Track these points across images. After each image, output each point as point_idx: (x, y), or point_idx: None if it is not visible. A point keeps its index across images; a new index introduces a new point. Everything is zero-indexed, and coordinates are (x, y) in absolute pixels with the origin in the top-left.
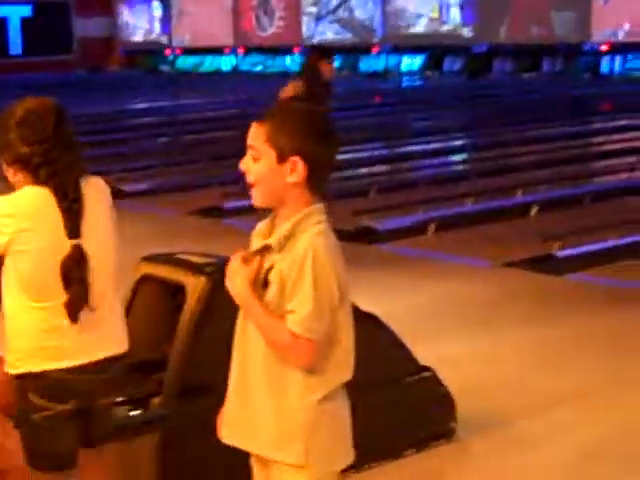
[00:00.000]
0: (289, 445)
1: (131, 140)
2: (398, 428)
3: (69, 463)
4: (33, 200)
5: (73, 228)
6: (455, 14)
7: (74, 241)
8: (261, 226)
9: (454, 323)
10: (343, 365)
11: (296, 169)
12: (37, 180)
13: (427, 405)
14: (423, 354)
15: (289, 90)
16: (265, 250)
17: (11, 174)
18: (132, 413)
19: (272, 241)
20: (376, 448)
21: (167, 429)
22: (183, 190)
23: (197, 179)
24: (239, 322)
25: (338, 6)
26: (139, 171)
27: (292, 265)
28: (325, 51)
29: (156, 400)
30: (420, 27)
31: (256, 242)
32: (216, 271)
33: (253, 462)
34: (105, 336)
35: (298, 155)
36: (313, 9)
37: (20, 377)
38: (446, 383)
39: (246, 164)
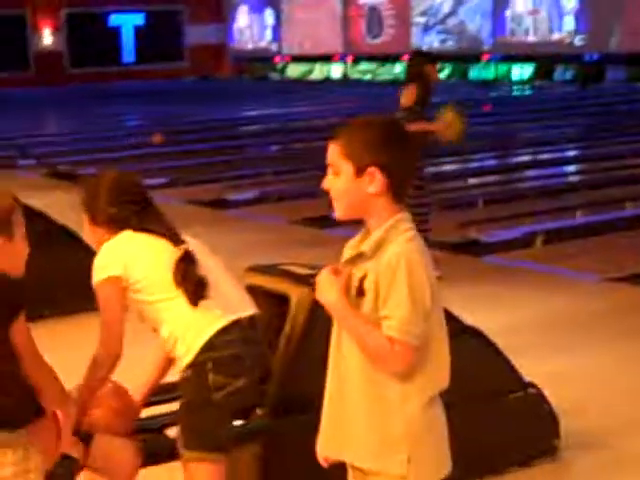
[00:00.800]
0: (390, 455)
1: (240, 148)
2: (501, 444)
3: (230, 444)
4: (135, 236)
5: (176, 240)
6: (567, 22)
7: (181, 246)
8: (354, 239)
9: (559, 339)
10: (438, 372)
11: (374, 179)
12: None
13: (531, 422)
14: (528, 370)
15: (408, 96)
16: (357, 259)
17: (100, 235)
18: (235, 423)
19: (365, 248)
20: (479, 463)
21: (268, 441)
22: (290, 199)
23: (304, 188)
24: (333, 334)
25: (447, 16)
26: (247, 179)
27: (386, 271)
28: (429, 55)
29: (259, 411)
30: (531, 36)
31: (347, 253)
32: None
33: (350, 476)
34: (237, 301)
35: (375, 166)
36: (421, 19)
37: (196, 364)
38: (551, 400)
39: (327, 183)
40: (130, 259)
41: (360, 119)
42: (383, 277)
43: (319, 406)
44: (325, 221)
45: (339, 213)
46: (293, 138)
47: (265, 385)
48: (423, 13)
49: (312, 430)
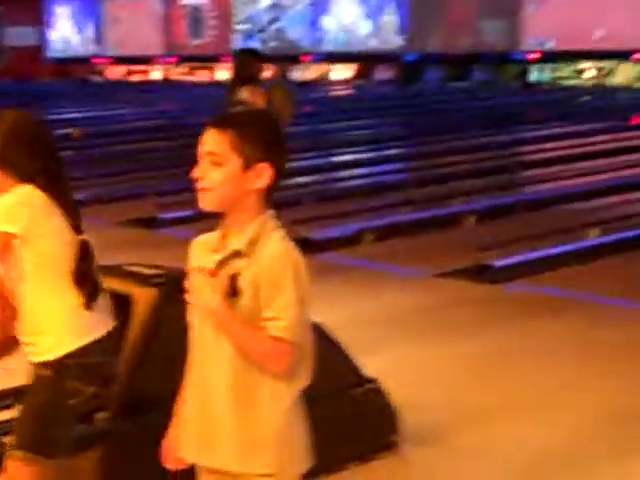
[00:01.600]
0: (258, 455)
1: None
2: (341, 440)
3: (67, 451)
4: (40, 194)
5: (77, 226)
6: (386, 24)
7: (81, 237)
8: (207, 237)
9: (393, 334)
10: (305, 369)
11: (262, 175)
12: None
13: (370, 417)
14: (366, 365)
15: (259, 97)
16: (230, 258)
17: None
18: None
19: (239, 246)
20: (319, 461)
21: (110, 445)
22: (114, 201)
23: (128, 190)
24: (197, 335)
25: (268, 23)
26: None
27: (269, 270)
28: (257, 54)
29: (101, 415)
30: (350, 37)
31: (203, 253)
32: (164, 282)
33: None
34: (105, 313)
35: (266, 162)
36: (243, 27)
37: (57, 363)
38: (388, 394)
39: (202, 172)
40: (36, 224)
41: (248, 112)
42: (266, 276)
43: (167, 407)
44: (152, 222)
45: (210, 204)
46: (112, 141)
47: (109, 389)
48: (244, 21)
49: (156, 432)
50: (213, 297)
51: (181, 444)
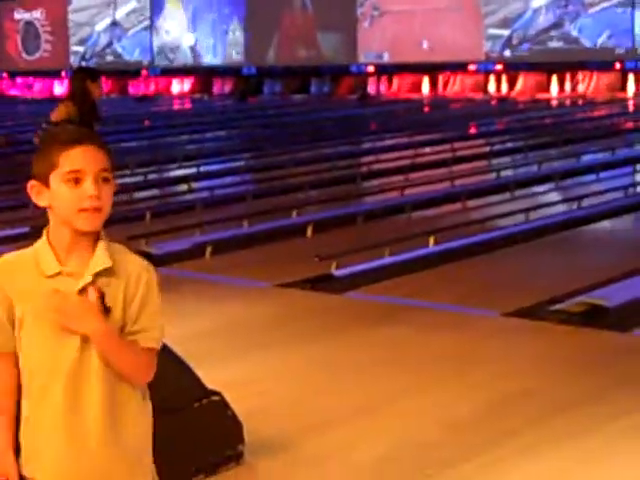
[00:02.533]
0: (136, 471)
1: None
2: (187, 453)
3: None
4: None
5: None
6: (225, 38)
7: None
8: (19, 257)
9: (237, 345)
10: None
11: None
12: None
13: (216, 429)
14: (210, 377)
15: (61, 112)
16: (94, 278)
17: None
18: None
19: (106, 264)
20: (164, 475)
21: None
22: None
23: None
24: (45, 360)
25: (105, 47)
26: None
27: (137, 283)
28: (92, 72)
29: None
30: (189, 51)
31: (26, 275)
32: None
33: None
34: None
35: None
36: (80, 48)
37: None
38: (233, 406)
39: (99, 191)
40: None
41: (85, 129)
42: (133, 290)
43: None
44: None
45: (99, 225)
46: None
47: None
48: (80, 42)
49: None
50: (93, 318)
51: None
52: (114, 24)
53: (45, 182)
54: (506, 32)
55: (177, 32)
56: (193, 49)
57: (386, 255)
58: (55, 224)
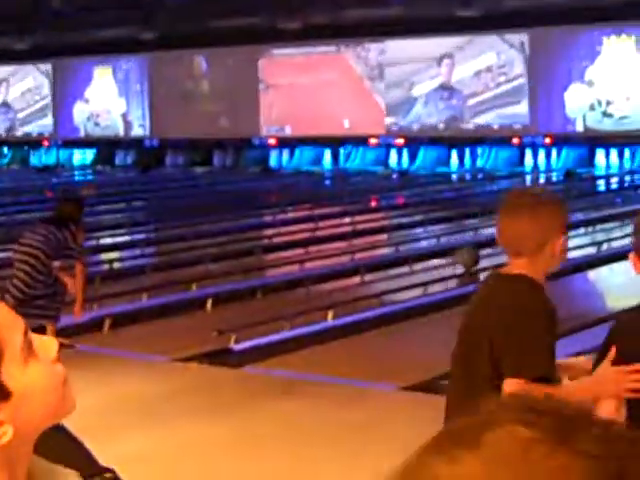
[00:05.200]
0: None
1: None
2: None
3: None
4: None
5: None
6: (128, 111)
7: None
8: None
9: (132, 420)
10: None
11: None
12: None
13: None
14: (102, 453)
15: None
16: None
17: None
18: None
19: None
20: None
21: None
22: None
23: None
24: None
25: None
26: None
27: None
28: (77, 199)
29: None
30: (90, 124)
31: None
32: None
33: None
34: None
35: None
36: None
37: None
38: None
39: None
40: None
41: None
42: None
43: None
44: None
45: None
46: None
47: None
48: None
49: None
50: None
51: None
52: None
53: None
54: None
55: (104, 101)
56: (97, 120)
57: (285, 329)
58: None
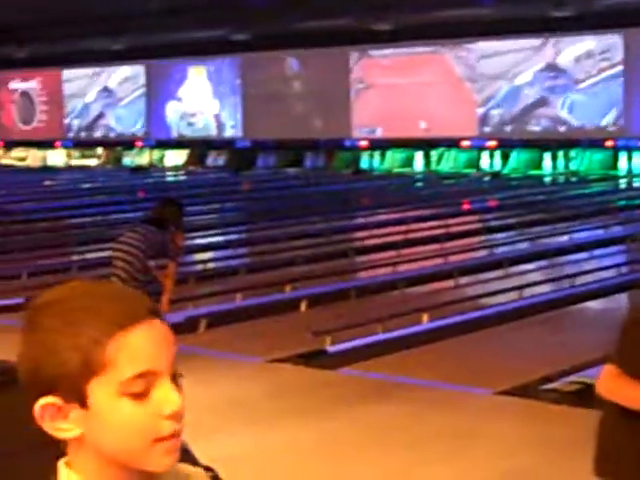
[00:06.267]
0: None
1: None
2: None
3: None
4: None
5: None
6: (221, 112)
7: None
8: None
9: (230, 420)
10: None
11: None
12: None
13: None
14: (202, 454)
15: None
16: None
17: None
18: None
19: None
20: None
21: None
22: None
23: None
24: None
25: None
26: None
27: None
28: (174, 202)
29: None
30: (183, 124)
31: None
32: None
33: None
34: None
35: None
36: (76, 121)
37: None
38: None
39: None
40: None
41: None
42: None
43: None
44: None
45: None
46: None
47: None
48: (75, 116)
49: None
50: None
51: None
52: (106, 90)
53: (76, 396)
54: (496, 111)
55: (197, 102)
56: (189, 121)
57: (379, 331)
58: (93, 464)
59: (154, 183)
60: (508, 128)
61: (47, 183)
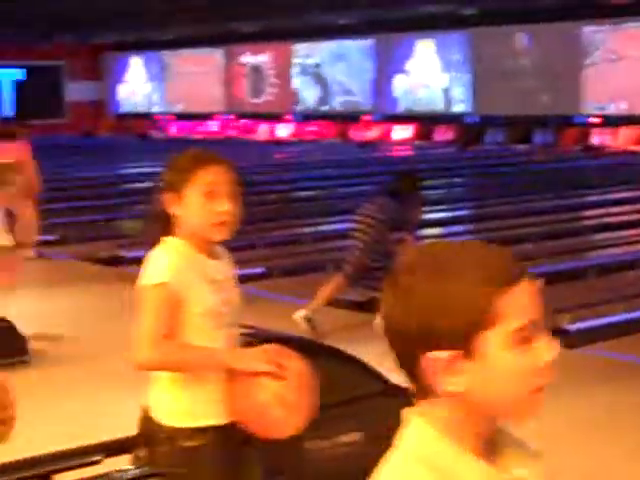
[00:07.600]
0: None
1: (126, 206)
2: None
3: None
4: None
5: None
6: (450, 86)
7: None
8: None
9: None
10: None
11: None
12: None
13: None
14: None
15: None
16: None
17: None
18: None
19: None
20: None
21: None
22: None
23: None
24: None
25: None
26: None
27: None
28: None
29: None
30: (410, 98)
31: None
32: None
33: None
34: None
35: None
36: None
37: None
38: None
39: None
40: None
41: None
42: None
43: None
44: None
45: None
46: None
47: None
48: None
49: None
50: None
51: None
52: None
53: (465, 349)
54: None
55: (425, 76)
56: (416, 95)
57: (620, 311)
58: (457, 417)
59: (381, 157)
60: None
61: (276, 156)
